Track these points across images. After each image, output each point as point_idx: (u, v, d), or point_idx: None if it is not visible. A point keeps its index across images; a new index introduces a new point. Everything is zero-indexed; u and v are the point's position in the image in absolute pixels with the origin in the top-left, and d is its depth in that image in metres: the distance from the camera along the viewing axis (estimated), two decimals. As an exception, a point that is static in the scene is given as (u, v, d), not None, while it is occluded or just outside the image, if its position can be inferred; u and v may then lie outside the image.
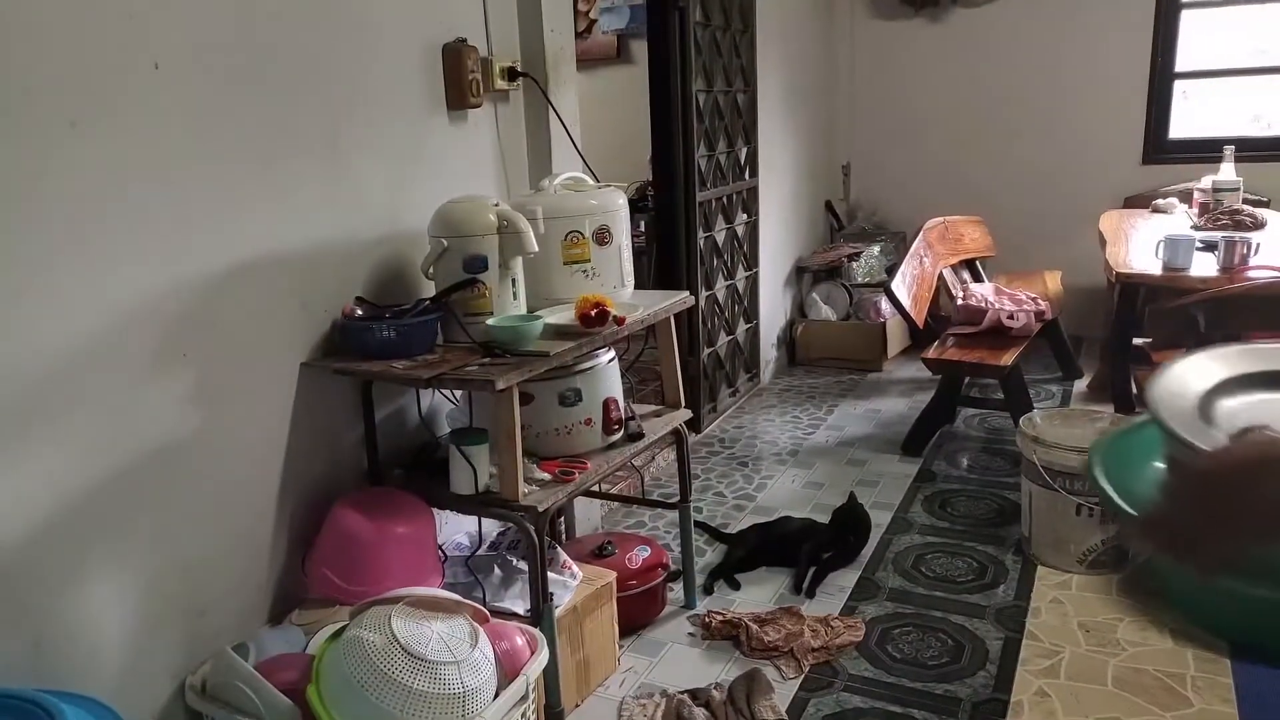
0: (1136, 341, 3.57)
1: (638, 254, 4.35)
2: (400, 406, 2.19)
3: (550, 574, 2.03)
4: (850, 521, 2.77)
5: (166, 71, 1.62)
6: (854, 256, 4.80)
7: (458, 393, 2.18)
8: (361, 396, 2.06)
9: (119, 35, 1.54)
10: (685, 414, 2.43)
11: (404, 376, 1.86)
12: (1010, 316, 3.63)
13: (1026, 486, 2.68)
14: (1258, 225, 3.41)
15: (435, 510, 2.00)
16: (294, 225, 1.90)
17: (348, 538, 1.85)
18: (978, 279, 4.27)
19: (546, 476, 2.01)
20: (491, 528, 2.31)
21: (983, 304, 3.71)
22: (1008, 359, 3.40)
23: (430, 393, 2.18)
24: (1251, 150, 4.23)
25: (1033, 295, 3.82)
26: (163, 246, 1.64)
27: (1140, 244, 3.31)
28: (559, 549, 2.23)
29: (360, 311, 1.98)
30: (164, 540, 1.70)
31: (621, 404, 2.25)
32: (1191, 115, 4.65)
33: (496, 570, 2.13)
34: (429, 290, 2.07)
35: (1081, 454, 2.51)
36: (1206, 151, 4.17)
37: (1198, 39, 4.55)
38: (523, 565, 2.11)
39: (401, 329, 1.91)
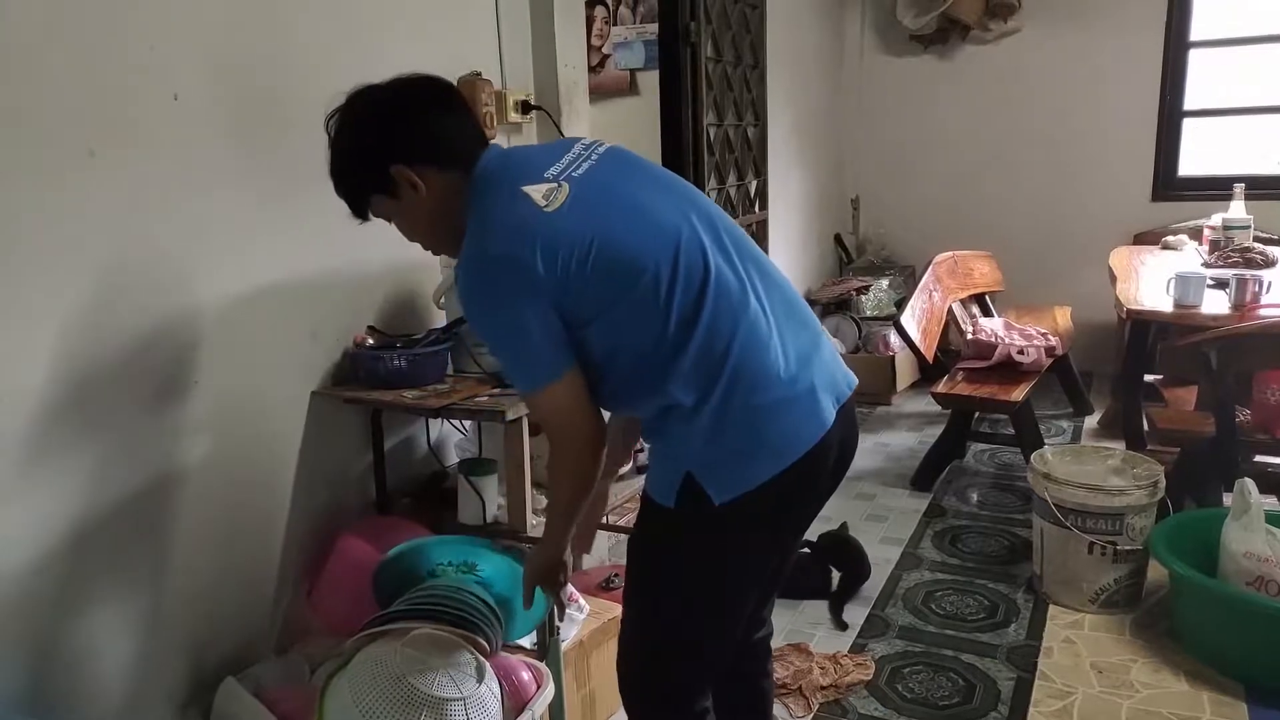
0: (1148, 378, 3.56)
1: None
2: (409, 436, 2.19)
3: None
4: (837, 553, 2.75)
5: (185, 103, 1.64)
6: (863, 290, 4.80)
7: (467, 423, 2.17)
8: (371, 425, 2.05)
9: (139, 67, 1.56)
10: (694, 446, 2.42)
11: (414, 406, 1.86)
12: (1020, 351, 3.62)
13: (1038, 524, 2.66)
14: (1269, 263, 3.40)
15: (442, 541, 1.99)
16: (307, 254, 1.91)
17: (353, 568, 1.83)
18: (987, 314, 4.26)
19: (554, 508, 2.00)
20: (498, 559, 2.29)
21: (993, 339, 3.70)
22: (1018, 394, 3.38)
23: (439, 422, 2.18)
24: (1262, 188, 4.23)
25: (1043, 330, 3.81)
26: (177, 275, 1.66)
27: (1151, 281, 3.30)
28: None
29: (371, 341, 1.98)
30: (168, 568, 1.69)
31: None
32: (1201, 152, 4.66)
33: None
34: (440, 320, 2.08)
35: (1093, 491, 2.49)
36: (1216, 189, 4.17)
37: (1207, 77, 4.58)
38: (529, 598, 2.09)
39: (412, 359, 1.91)
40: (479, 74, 2.27)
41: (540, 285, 1.22)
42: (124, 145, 1.55)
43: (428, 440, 2.20)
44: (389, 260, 2.10)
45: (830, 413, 1.33)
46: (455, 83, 2.20)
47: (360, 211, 1.41)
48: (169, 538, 1.68)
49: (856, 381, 1.43)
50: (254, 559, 1.86)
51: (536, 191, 1.26)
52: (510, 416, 1.79)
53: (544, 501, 1.99)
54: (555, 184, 1.28)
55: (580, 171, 1.31)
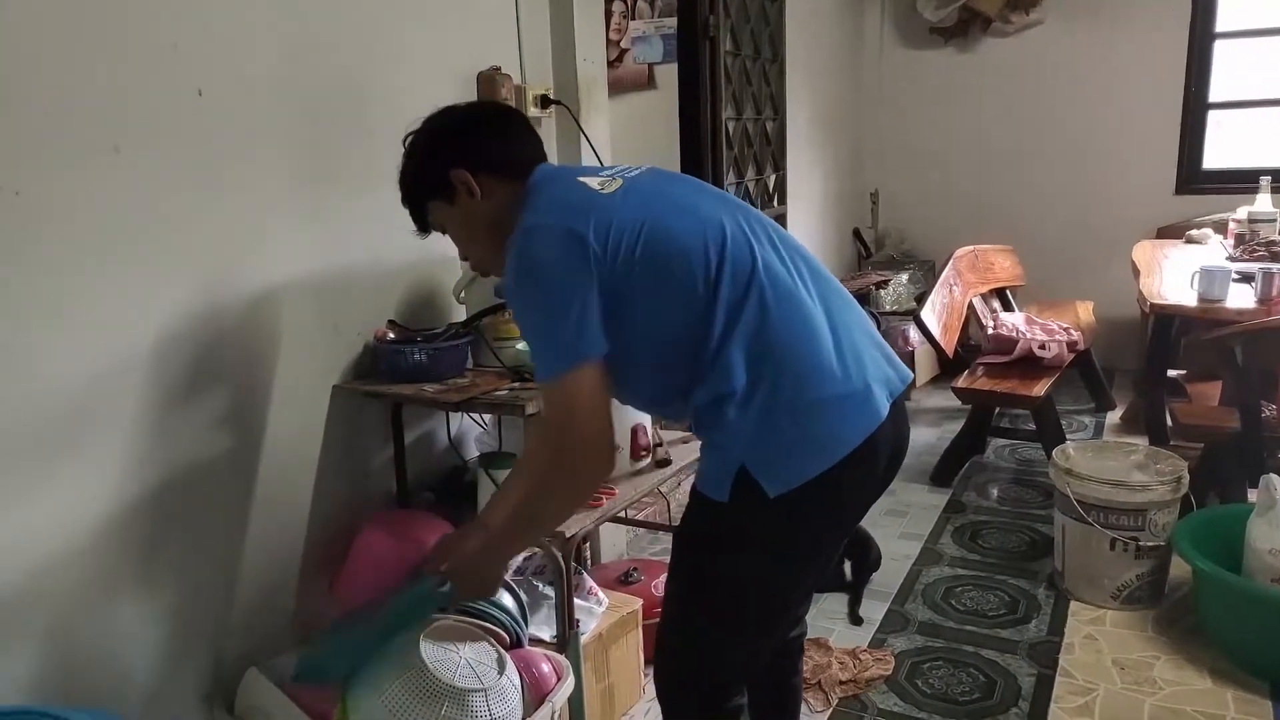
0: (1171, 373, 3.52)
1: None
2: (429, 430, 2.20)
3: (577, 600, 2.02)
4: (848, 542, 2.74)
5: (209, 98, 1.65)
6: (882, 284, 4.78)
7: (487, 417, 2.18)
8: (391, 419, 2.07)
9: (164, 63, 1.58)
10: (713, 441, 2.42)
11: (434, 400, 1.87)
12: (1042, 346, 3.60)
13: (1059, 519, 2.64)
14: (1295, 257, 3.36)
15: (463, 534, 2.00)
16: (329, 249, 1.92)
17: (375, 560, 1.85)
18: (1008, 308, 4.23)
19: (574, 502, 2.01)
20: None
21: (1014, 333, 3.68)
22: (1040, 389, 3.36)
23: (460, 416, 2.19)
24: (1288, 181, 4.17)
25: (1065, 325, 3.78)
26: (202, 270, 1.67)
27: (1175, 275, 3.27)
28: (585, 574, 2.22)
29: (392, 335, 2.00)
30: (194, 561, 1.71)
31: (649, 430, 2.24)
32: (1227, 145, 4.60)
33: (523, 595, 2.12)
34: (460, 315, 2.09)
35: (1115, 487, 2.47)
36: (1242, 182, 4.12)
37: (1232, 68, 4.52)
38: (549, 591, 2.10)
39: (432, 353, 1.92)
40: (499, 68, 2.28)
41: (591, 263, 1.24)
42: (148, 141, 1.56)
43: (448, 434, 2.21)
44: (409, 256, 2.11)
45: (884, 407, 1.32)
46: (476, 77, 2.24)
47: (421, 221, 1.48)
48: (194, 530, 1.70)
49: (911, 376, 1.43)
50: (277, 551, 1.88)
51: (593, 181, 1.34)
52: (530, 410, 1.79)
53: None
54: (610, 178, 1.35)
55: (630, 175, 1.38)
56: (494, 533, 1.47)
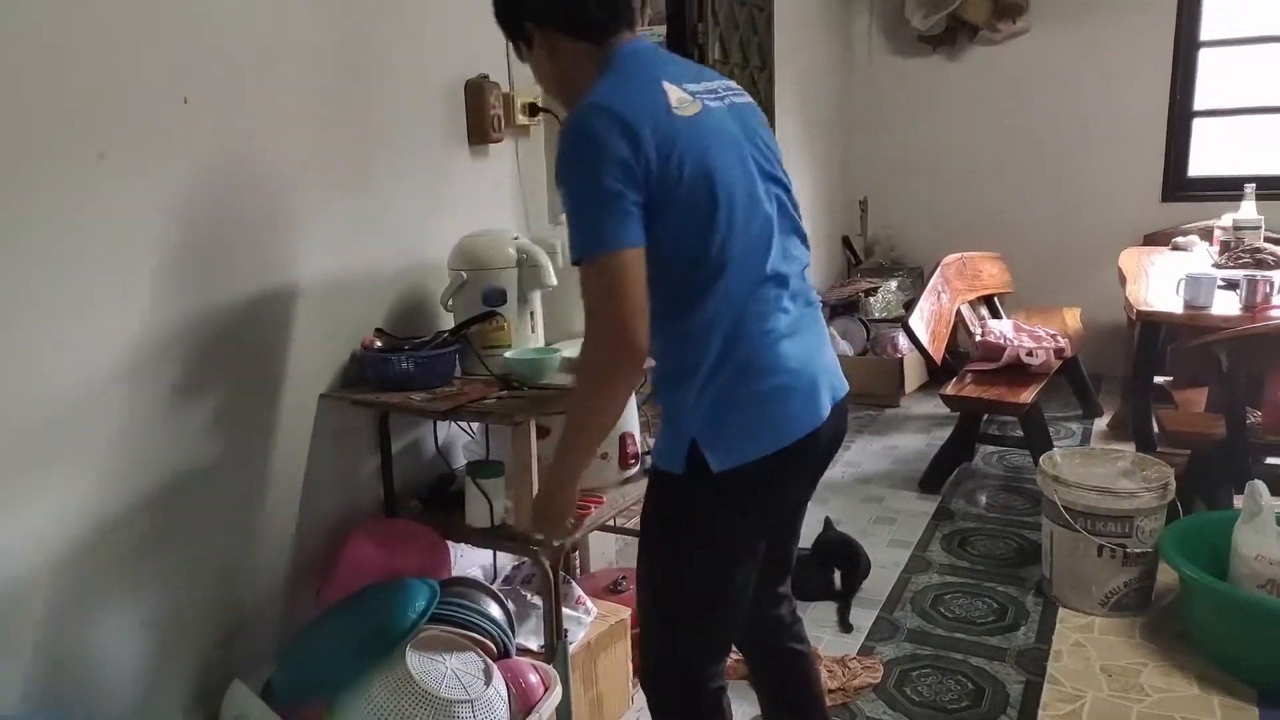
0: (1158, 380, 3.54)
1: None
2: (417, 438, 2.20)
3: (565, 609, 2.01)
4: (833, 551, 2.75)
5: (196, 105, 1.64)
6: (871, 291, 4.79)
7: (474, 425, 2.18)
8: (379, 428, 2.06)
9: (150, 69, 1.57)
10: (702, 449, 2.42)
11: (422, 409, 1.86)
12: (1029, 353, 3.61)
13: (1047, 526, 2.65)
14: (1279, 264, 3.39)
15: (450, 543, 2.00)
16: (318, 257, 1.91)
17: (362, 570, 1.84)
18: (996, 315, 4.25)
19: (562, 511, 2.00)
20: (506, 561, 2.30)
21: (1001, 340, 3.69)
22: (1027, 396, 3.37)
23: (447, 425, 2.18)
24: (1273, 188, 4.19)
25: (1052, 332, 3.80)
26: (189, 277, 1.66)
27: (1161, 282, 3.29)
28: (574, 584, 2.21)
29: (379, 343, 1.99)
30: (180, 570, 1.70)
31: (638, 438, 2.24)
32: (1212, 153, 4.63)
33: (511, 605, 2.11)
34: (448, 323, 2.08)
35: (1102, 494, 2.48)
36: (1227, 189, 4.15)
37: (1218, 77, 4.56)
38: (537, 600, 2.09)
39: (420, 361, 1.92)
40: (486, 76, 2.28)
41: (642, 167, 1.25)
42: (135, 148, 1.55)
43: (435, 442, 2.20)
44: (397, 263, 2.11)
45: (827, 408, 1.42)
46: (464, 85, 2.24)
47: (518, 50, 1.50)
48: (180, 539, 1.69)
49: (848, 389, 1.52)
50: (263, 560, 1.87)
51: (674, 92, 1.33)
52: (518, 419, 1.79)
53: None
54: (692, 99, 1.34)
55: (713, 102, 1.38)
56: (553, 461, 1.44)
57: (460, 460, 2.27)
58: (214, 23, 1.67)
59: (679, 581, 1.46)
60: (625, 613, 2.21)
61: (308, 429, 1.93)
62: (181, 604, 1.70)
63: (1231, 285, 3.05)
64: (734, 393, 1.35)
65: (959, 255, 4.10)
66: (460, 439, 2.29)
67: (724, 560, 1.45)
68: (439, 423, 2.14)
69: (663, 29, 4.79)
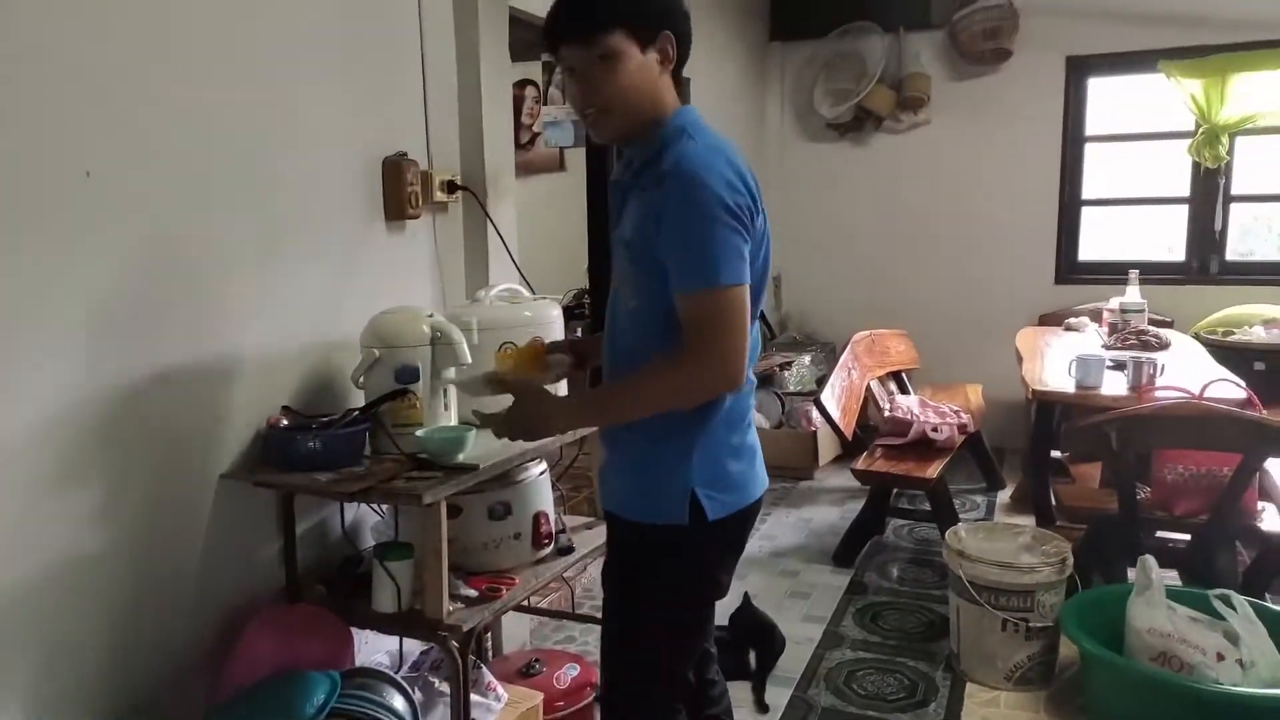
0: (1055, 455, 3.69)
1: (573, 360, 4.38)
2: (323, 519, 2.13)
3: (474, 696, 1.96)
4: (750, 629, 2.75)
5: (99, 180, 1.61)
6: (786, 366, 4.90)
7: (384, 505, 2.13)
8: (282, 509, 1.99)
9: (50, 142, 1.53)
10: (617, 527, 2.41)
11: (328, 490, 1.81)
12: (934, 429, 3.72)
13: (954, 601, 2.70)
14: (1162, 345, 3.60)
15: (355, 630, 1.93)
16: (222, 333, 1.87)
17: (259, 662, 1.76)
18: (904, 390, 4.38)
19: (473, 593, 1.96)
20: (414, 647, 2.23)
21: (908, 416, 3.80)
22: (933, 471, 3.46)
23: (355, 505, 2.13)
24: (1155, 273, 4.49)
25: (955, 408, 3.93)
26: (82, 354, 1.60)
27: (1055, 361, 3.45)
28: (484, 669, 2.16)
29: (286, 421, 1.94)
30: (64, 661, 1.59)
31: (552, 517, 2.22)
32: (1101, 238, 4.94)
33: (418, 693, 2.04)
34: (359, 400, 2.05)
35: (1004, 569, 2.55)
36: (1114, 273, 4.41)
37: (1105, 167, 4.89)
38: (445, 687, 2.03)
39: (327, 440, 1.87)
40: (404, 154, 2.29)
41: (748, 217, 1.40)
42: (32, 223, 1.50)
43: (342, 524, 2.14)
44: (307, 340, 2.07)
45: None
46: (381, 162, 2.24)
47: (603, 24, 1.41)
48: (64, 628, 1.59)
49: None
50: (157, 650, 1.77)
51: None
52: (428, 500, 1.75)
53: (460, 586, 1.96)
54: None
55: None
56: (583, 402, 1.58)
57: (368, 541, 2.21)
58: (118, 93, 1.65)
59: (667, 630, 1.57)
60: (538, 698, 2.16)
61: (206, 511, 1.86)
62: (63, 697, 1.59)
63: (1119, 366, 3.22)
64: (729, 443, 1.51)
65: (868, 332, 4.24)
66: (369, 519, 2.23)
67: (705, 608, 1.62)
68: (346, 503, 2.08)
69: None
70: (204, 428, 1.85)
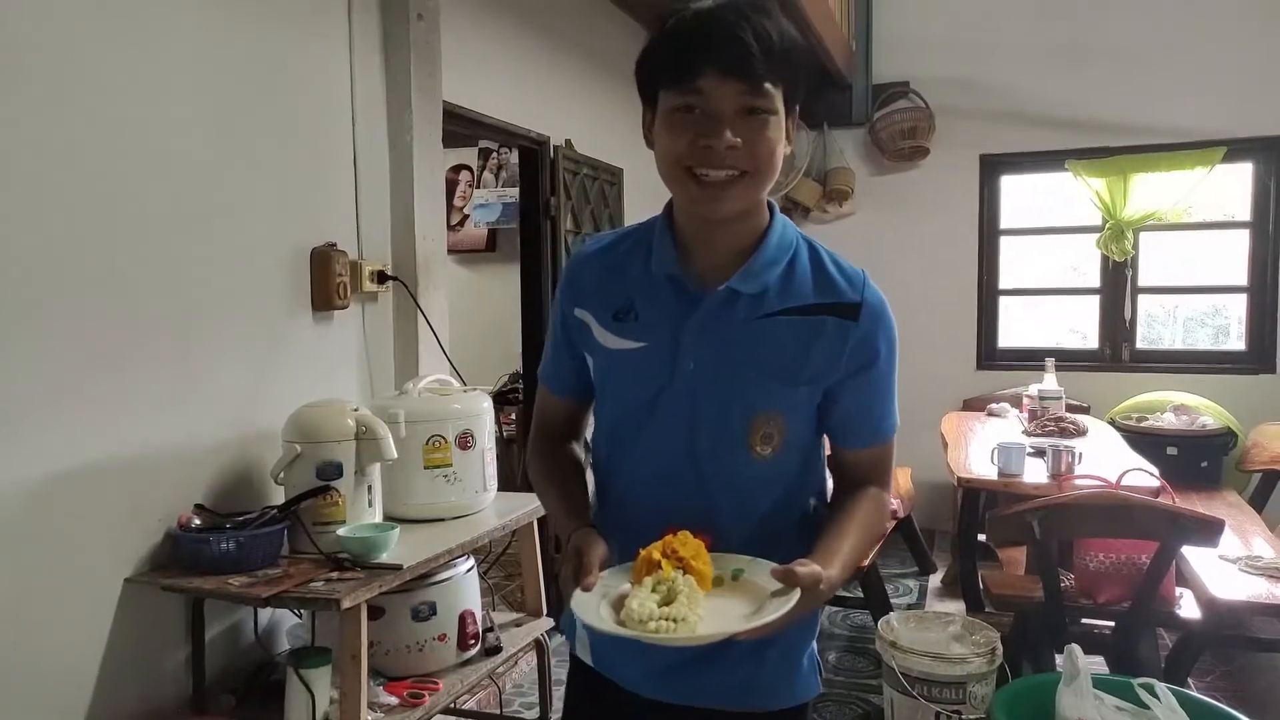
0: (983, 538, 3.73)
1: (508, 443, 4.31)
2: (236, 622, 2.03)
3: (392, 813, 1.85)
4: None
5: (2, 259, 1.54)
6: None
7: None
8: (191, 614, 1.89)
9: (-43, 236, 1.48)
10: (547, 623, 2.35)
11: (239, 595, 1.73)
12: (866, 514, 3.74)
13: (888, 693, 2.64)
14: (1080, 432, 3.71)
15: (265, 743, 1.82)
16: (131, 428, 1.79)
17: (159, 782, 1.64)
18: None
19: (393, 700, 1.88)
20: (330, 757, 2.11)
21: (840, 502, 3.82)
22: (865, 559, 3.47)
23: (269, 609, 2.03)
24: (1070, 360, 4.68)
25: (886, 493, 3.97)
26: (-23, 455, 1.51)
27: (978, 448, 3.53)
28: (404, 780, 2.05)
29: (198, 521, 1.85)
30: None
31: (479, 615, 2.16)
32: (1019, 325, 5.13)
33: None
34: (279, 497, 1.97)
35: (936, 659, 2.54)
36: (1032, 359, 4.58)
37: (1022, 258, 5.11)
38: (362, 803, 1.92)
39: (241, 541, 1.79)
40: (334, 244, 2.27)
41: None
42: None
43: (255, 629, 2.04)
44: (223, 434, 2.00)
45: None
46: (310, 252, 2.21)
47: (790, 75, 1.14)
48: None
49: None
50: (39, 775, 1.64)
51: None
52: (346, 604, 1.68)
53: (380, 694, 1.87)
54: None
55: None
56: (846, 561, 1.27)
57: (284, 645, 2.10)
58: (27, 171, 1.60)
59: None
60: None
61: (108, 617, 1.75)
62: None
63: (1040, 453, 3.31)
64: None
65: (799, 418, 4.28)
66: (286, 621, 2.13)
67: None
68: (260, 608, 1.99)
69: (515, 191, 4.96)
70: (111, 526, 1.76)
